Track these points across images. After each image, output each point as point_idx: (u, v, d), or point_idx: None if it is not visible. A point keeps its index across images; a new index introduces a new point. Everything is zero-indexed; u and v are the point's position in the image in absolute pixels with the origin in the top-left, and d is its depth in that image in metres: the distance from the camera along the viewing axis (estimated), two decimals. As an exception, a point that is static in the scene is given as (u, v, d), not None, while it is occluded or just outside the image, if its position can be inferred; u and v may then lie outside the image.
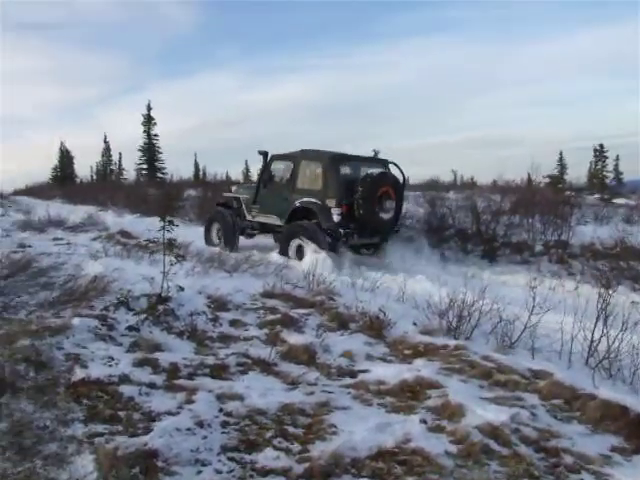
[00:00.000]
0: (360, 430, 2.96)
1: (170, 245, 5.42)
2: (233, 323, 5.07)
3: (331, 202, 9.34)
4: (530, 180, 18.66)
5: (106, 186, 31.29)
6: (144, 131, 39.26)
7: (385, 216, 9.53)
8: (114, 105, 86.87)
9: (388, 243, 10.23)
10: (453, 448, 2.82)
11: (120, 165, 43.01)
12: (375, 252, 10.46)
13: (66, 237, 11.67)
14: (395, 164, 10.36)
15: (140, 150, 39.31)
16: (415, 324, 5.14)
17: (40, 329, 4.18)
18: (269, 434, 2.95)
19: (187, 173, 38.39)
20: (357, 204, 9.26)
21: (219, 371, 3.88)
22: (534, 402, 3.47)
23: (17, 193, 37.66)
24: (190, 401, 3.25)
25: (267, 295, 5.98)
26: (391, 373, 3.89)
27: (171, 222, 5.32)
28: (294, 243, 9.58)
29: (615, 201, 23.03)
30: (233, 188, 12.54)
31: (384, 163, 10.50)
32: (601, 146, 44.03)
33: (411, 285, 6.78)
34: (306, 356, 4.28)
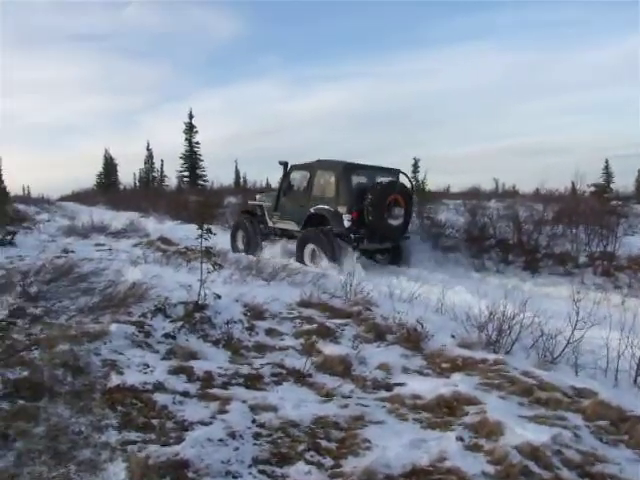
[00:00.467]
0: (394, 446, 2.89)
1: (208, 253, 5.46)
2: (269, 332, 5.05)
3: (342, 209, 9.87)
4: (574, 189, 18.18)
5: (148, 193, 31.91)
6: (186, 139, 39.90)
7: (394, 222, 9.97)
8: (157, 113, 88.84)
9: (427, 253, 10.30)
10: (490, 469, 2.71)
11: (162, 172, 43.79)
12: (394, 260, 10.76)
13: (108, 243, 11.96)
14: (404, 173, 10.83)
15: (182, 158, 39.96)
16: (453, 337, 5.01)
17: (79, 334, 4.25)
18: (301, 447, 2.91)
19: (228, 180, 38.86)
20: (367, 211, 9.74)
21: (253, 381, 3.86)
22: (577, 423, 3.30)
23: (63, 199, 38.85)
24: (223, 411, 3.24)
25: (304, 304, 5.95)
26: (428, 387, 3.79)
27: (209, 230, 5.36)
28: (308, 248, 10.05)
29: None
30: (257, 196, 13.01)
31: (395, 172, 10.84)
32: (650, 154, 42.58)
33: (450, 296, 6.63)
34: (341, 367, 4.22)
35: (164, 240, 12.26)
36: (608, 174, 41.79)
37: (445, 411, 3.47)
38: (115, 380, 3.52)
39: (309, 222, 10.39)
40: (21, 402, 3.19)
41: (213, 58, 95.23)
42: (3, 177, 35.98)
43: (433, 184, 27.31)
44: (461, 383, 3.85)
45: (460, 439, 3.01)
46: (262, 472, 2.65)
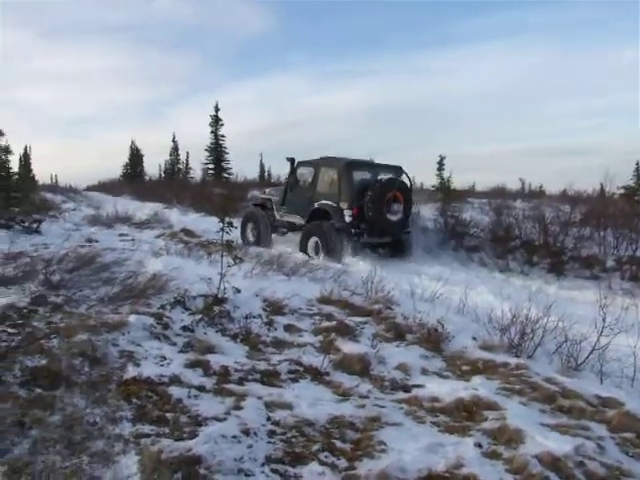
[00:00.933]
0: (410, 449, 2.83)
1: (229, 247, 5.43)
2: (288, 328, 5.01)
3: (344, 204, 10.35)
4: (603, 191, 17.80)
5: (173, 184, 31.93)
6: (211, 131, 39.90)
7: (393, 218, 10.41)
8: (184, 105, 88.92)
9: (450, 252, 10.29)
10: (509, 478, 2.62)
11: (187, 164, 43.88)
12: (395, 253, 11.07)
13: (131, 233, 12.08)
14: (403, 171, 11.19)
15: (207, 150, 40.02)
16: (475, 339, 4.92)
17: (98, 324, 4.26)
18: (316, 447, 2.86)
19: (252, 173, 38.80)
20: (367, 207, 10.20)
21: (270, 377, 3.83)
22: (602, 433, 3.19)
23: (90, 189, 39.21)
24: (238, 407, 3.21)
25: (324, 301, 5.90)
26: (446, 390, 3.72)
27: (230, 224, 5.33)
28: (311, 241, 10.52)
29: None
30: (267, 190, 13.41)
31: (397, 169, 11.20)
32: (682, 156, 41.52)
33: (472, 297, 6.51)
34: (359, 366, 4.17)
35: (187, 232, 12.34)
36: (639, 176, 40.88)
37: (464, 415, 3.39)
38: (131, 372, 3.52)
39: (313, 216, 10.84)
40: (38, 390, 3.21)
41: (242, 51, 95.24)
42: (32, 166, 36.56)
43: (458, 182, 26.87)
44: (481, 387, 3.76)
45: (478, 445, 2.94)
46: (275, 471, 2.61)
